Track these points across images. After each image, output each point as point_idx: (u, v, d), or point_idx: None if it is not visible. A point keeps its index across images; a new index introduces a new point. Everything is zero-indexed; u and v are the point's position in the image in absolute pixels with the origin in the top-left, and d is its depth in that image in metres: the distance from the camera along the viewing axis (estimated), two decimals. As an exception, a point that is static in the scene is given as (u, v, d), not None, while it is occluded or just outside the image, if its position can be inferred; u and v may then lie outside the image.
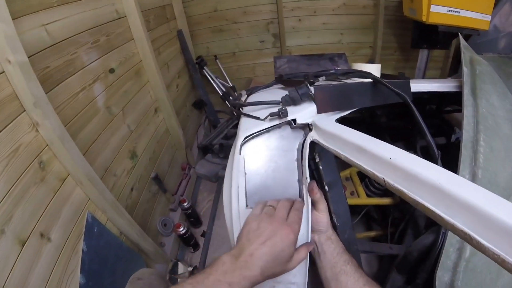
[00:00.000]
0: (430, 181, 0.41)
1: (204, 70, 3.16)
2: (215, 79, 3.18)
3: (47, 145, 1.15)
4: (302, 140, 0.78)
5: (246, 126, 0.81)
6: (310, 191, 0.69)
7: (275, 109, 0.77)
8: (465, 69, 1.11)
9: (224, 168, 0.98)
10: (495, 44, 2.50)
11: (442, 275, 0.74)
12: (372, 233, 1.65)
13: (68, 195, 1.22)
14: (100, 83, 1.58)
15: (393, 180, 0.47)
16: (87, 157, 1.33)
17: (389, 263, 1.45)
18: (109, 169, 1.55)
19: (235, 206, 0.72)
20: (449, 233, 0.79)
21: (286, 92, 0.84)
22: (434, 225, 0.98)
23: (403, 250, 1.16)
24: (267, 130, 0.79)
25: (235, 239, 0.72)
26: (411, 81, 1.06)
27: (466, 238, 0.36)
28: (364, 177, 1.55)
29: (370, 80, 0.91)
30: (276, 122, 0.78)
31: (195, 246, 2.03)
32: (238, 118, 0.94)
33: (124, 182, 1.68)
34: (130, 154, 1.79)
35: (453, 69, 3.00)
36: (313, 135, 0.73)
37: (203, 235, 2.14)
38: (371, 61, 3.25)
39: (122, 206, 1.50)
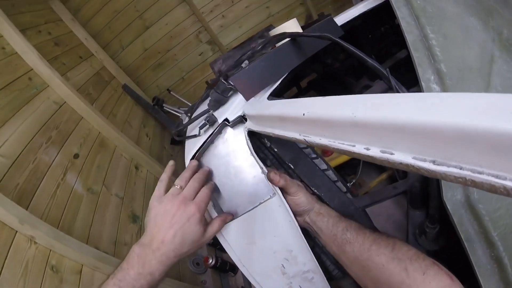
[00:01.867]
0: (346, 118, 0.35)
1: (165, 108, 3.15)
2: (178, 110, 3.15)
3: (50, 250, 1.18)
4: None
5: (188, 148, 0.79)
6: (271, 182, 0.67)
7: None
8: None
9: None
10: None
11: (452, 196, 0.65)
12: (383, 176, 1.61)
13: (90, 282, 1.25)
14: (71, 172, 1.61)
15: (314, 135, 0.43)
16: (91, 242, 1.37)
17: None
18: (118, 241, 1.58)
19: None
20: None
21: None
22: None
23: (408, 184, 1.08)
24: (207, 143, 0.77)
25: (230, 255, 0.71)
26: (340, 14, 1.04)
27: (404, 166, 0.29)
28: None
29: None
30: (211, 130, 0.77)
31: (233, 269, 2.03)
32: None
33: (138, 246, 1.68)
34: (130, 218, 1.81)
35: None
36: (247, 125, 0.71)
37: (234, 256, 2.13)
38: (309, 16, 3.21)
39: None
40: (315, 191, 0.77)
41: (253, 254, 0.69)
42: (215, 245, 2.12)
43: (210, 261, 1.85)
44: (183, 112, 3.12)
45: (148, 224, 0.59)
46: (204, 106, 1.00)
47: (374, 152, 0.32)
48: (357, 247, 0.58)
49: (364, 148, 0.33)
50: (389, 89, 0.68)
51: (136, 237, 1.74)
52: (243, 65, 0.96)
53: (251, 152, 0.71)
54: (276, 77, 0.84)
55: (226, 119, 0.76)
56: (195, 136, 0.80)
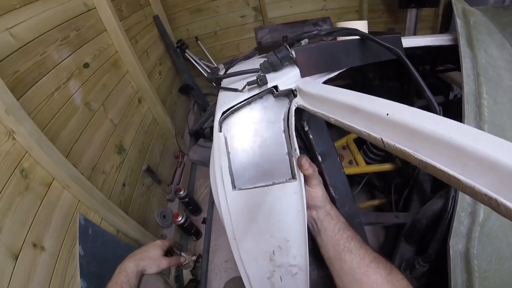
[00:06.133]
0: (439, 135, 0.34)
1: (186, 54, 3.05)
2: (198, 62, 3.07)
3: (27, 151, 1.08)
4: (287, 109, 0.71)
5: (224, 101, 0.74)
6: (299, 167, 0.63)
7: (254, 78, 0.70)
8: (459, 21, 1.06)
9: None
10: (485, -1, 2.37)
11: (455, 243, 0.69)
12: (375, 202, 1.64)
13: (56, 199, 1.16)
14: (75, 79, 1.50)
15: (393, 139, 0.41)
16: (70, 158, 1.27)
17: (397, 232, 1.42)
18: (97, 167, 1.49)
19: (221, 188, 0.66)
20: (460, 196, 0.74)
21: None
22: (442, 189, 0.93)
23: (410, 218, 1.14)
24: (248, 101, 0.72)
25: (225, 223, 0.67)
26: (403, 38, 1.01)
27: (491, 204, 0.28)
28: (362, 144, 1.50)
29: (357, 37, 0.84)
30: (256, 91, 0.71)
31: (197, 234, 1.99)
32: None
33: (114, 179, 1.62)
34: (117, 149, 1.72)
35: (444, 28, 2.88)
36: (298, 101, 0.66)
37: (203, 221, 2.09)
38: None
39: (114, 203, 1.44)
40: (332, 191, 0.77)
41: (249, 231, 0.66)
42: (188, 205, 2.06)
43: (180, 218, 1.79)
44: (203, 64, 3.02)
45: None
46: (250, 65, 0.93)
47: (459, 174, 0.31)
48: (357, 259, 0.59)
49: (449, 168, 0.33)
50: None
51: (116, 170, 1.66)
52: (302, 42, 0.90)
53: (289, 129, 0.68)
54: (335, 67, 0.81)
55: (275, 87, 0.71)
56: (235, 90, 0.74)
